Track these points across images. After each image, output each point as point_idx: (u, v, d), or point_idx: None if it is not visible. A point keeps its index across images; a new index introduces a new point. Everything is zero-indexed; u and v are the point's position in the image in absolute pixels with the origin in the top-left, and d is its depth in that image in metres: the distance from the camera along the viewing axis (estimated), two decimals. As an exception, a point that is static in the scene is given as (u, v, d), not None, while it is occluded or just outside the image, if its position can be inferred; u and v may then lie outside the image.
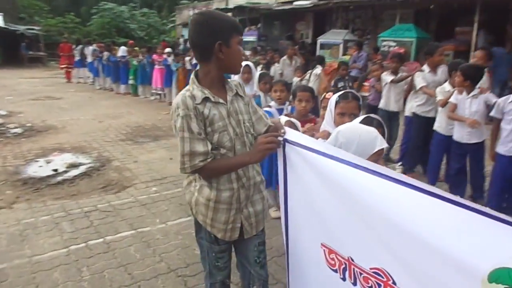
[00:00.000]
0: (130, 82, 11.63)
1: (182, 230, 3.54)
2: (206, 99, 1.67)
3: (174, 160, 5.68)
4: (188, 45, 20.07)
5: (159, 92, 10.88)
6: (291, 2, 15.24)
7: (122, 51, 11.87)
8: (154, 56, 10.68)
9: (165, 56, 10.43)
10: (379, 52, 10.55)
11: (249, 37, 15.91)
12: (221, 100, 1.71)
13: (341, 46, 11.98)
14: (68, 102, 10.41)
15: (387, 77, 5.53)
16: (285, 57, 8.62)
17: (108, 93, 12.43)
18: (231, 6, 18.59)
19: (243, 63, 4.47)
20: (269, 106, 3.66)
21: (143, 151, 6.11)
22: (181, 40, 22.59)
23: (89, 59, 13.87)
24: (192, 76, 1.75)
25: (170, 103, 10.09)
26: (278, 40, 16.89)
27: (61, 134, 7.07)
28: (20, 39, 20.05)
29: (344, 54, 12.02)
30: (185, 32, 24.85)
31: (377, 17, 13.68)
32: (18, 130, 7.17)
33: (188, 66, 9.69)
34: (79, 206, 4.07)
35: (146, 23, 26.60)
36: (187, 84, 1.80)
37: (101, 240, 3.34)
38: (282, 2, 16.03)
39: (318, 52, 12.67)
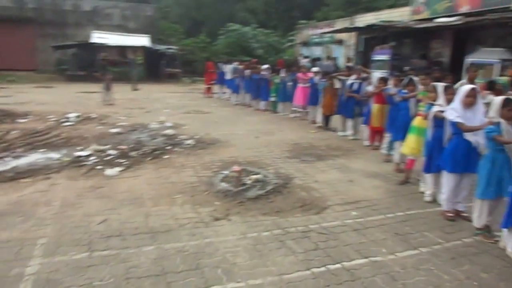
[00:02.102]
0: (272, 99, 11.99)
1: (419, 265, 3.33)
2: None
3: (354, 182, 5.57)
4: (307, 63, 20.27)
5: (300, 110, 11.00)
6: (430, 20, 14.41)
7: (265, 69, 12.32)
8: (299, 74, 10.86)
9: (311, 74, 10.51)
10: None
11: (381, 55, 15.38)
12: None
13: (497, 65, 10.86)
14: (218, 117, 11.09)
15: None
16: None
17: (247, 109, 13.00)
18: (360, 25, 18.24)
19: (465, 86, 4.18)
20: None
21: (317, 171, 6.11)
22: (301, 58, 22.94)
23: (228, 76, 14.77)
24: None
25: (314, 122, 10.17)
26: (409, 59, 16.10)
27: (229, 147, 7.47)
28: (160, 57, 22.29)
29: (501, 75, 10.89)
30: (305, 51, 25.18)
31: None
32: (191, 142, 7.75)
33: (337, 85, 9.58)
34: (291, 224, 4.12)
35: (266, 42, 27.62)
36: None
37: (339, 266, 3.29)
38: (419, 20, 15.23)
39: (465, 72, 11.69)
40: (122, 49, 21.69)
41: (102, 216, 4.22)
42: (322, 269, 3.24)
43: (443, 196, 4.37)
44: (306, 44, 25.12)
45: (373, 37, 18.67)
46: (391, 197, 5.02)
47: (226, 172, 5.96)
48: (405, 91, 5.91)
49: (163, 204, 4.61)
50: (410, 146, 5.41)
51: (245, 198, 4.87)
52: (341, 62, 19.47)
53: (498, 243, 3.70)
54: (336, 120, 9.34)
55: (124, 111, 11.61)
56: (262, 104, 12.44)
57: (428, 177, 4.84)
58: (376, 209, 4.59)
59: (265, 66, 12.58)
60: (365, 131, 8.02)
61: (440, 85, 4.69)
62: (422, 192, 5.09)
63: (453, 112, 4.05)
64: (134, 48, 21.47)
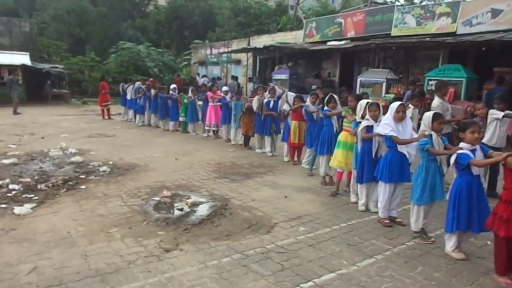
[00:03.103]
0: (181, 119, 11.70)
1: (381, 272, 3.52)
2: None
3: (289, 198, 5.70)
4: (206, 81, 20.40)
5: (213, 128, 10.94)
6: (322, 42, 15.81)
7: (172, 89, 11.99)
8: (209, 94, 10.83)
9: (222, 94, 10.57)
10: (427, 91, 10.91)
11: (281, 75, 16.30)
12: None
13: (384, 84, 12.39)
14: (126, 139, 10.38)
15: (497, 112, 5.71)
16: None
17: (154, 130, 12.44)
18: (256, 45, 19.07)
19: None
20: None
21: (249, 189, 6.10)
22: (198, 78, 23.02)
23: (129, 96, 14.01)
24: None
25: (228, 140, 10.20)
26: (304, 78, 17.37)
27: (151, 172, 7.02)
28: (44, 77, 20.11)
29: (387, 93, 12.42)
30: (201, 70, 25.32)
31: (409, 56, 14.23)
32: (106, 169, 7.08)
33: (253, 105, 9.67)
34: (247, 247, 4.02)
35: (160, 61, 27.05)
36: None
37: (312, 283, 3.30)
38: (312, 42, 16.60)
39: (359, 90, 13.07)
40: (-5, 68, 19.01)
41: (28, 264, 3.56)
42: (299, 289, 3.21)
43: (380, 204, 4.73)
44: (203, 63, 25.29)
45: (268, 57, 19.71)
46: (328, 209, 5.26)
47: (156, 198, 5.59)
48: (327, 108, 6.30)
49: (100, 241, 4.09)
50: (338, 159, 5.76)
51: (189, 224, 4.61)
52: (241, 81, 20.00)
53: (434, 243, 4.14)
54: (252, 138, 9.49)
55: (11, 138, 10.11)
56: (171, 125, 12.04)
57: (361, 188, 5.20)
58: (320, 223, 4.75)
59: (173, 85, 12.26)
60: (284, 147, 8.30)
61: (365, 102, 5.13)
62: (354, 202, 5.44)
63: (387, 126, 4.45)
64: (10, 67, 18.96)
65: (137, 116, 13.53)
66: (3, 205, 5.09)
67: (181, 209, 5.17)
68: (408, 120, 4.58)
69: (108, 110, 14.71)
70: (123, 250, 3.89)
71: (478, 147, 3.60)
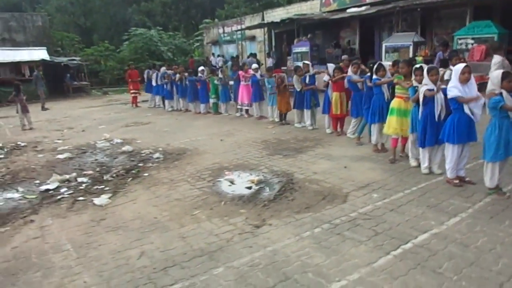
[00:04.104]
0: (213, 100, 11.79)
1: (472, 228, 3.67)
2: None
3: (349, 168, 5.82)
4: (221, 61, 20.31)
5: (246, 107, 11.02)
6: (341, 10, 15.53)
7: (201, 71, 12.04)
8: (241, 73, 10.86)
9: (252, 72, 10.59)
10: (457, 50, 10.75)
11: (301, 47, 16.15)
12: None
13: (411, 48, 12.22)
14: (164, 125, 10.56)
15: None
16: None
17: (186, 113, 12.60)
18: (271, 20, 18.83)
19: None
20: None
21: (306, 163, 6.23)
22: (213, 58, 22.92)
23: (154, 82, 14.12)
24: None
25: (261, 117, 10.30)
26: (323, 49, 17.16)
27: (204, 155, 7.20)
28: (63, 71, 20.28)
29: (414, 56, 12.27)
30: (215, 50, 25.17)
31: (432, 16, 13.95)
32: (159, 155, 7.28)
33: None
34: (331, 217, 4.18)
35: (173, 44, 26.96)
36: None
37: (411, 244, 3.46)
38: (330, 11, 16.33)
39: (384, 56, 12.94)
40: (15, 66, 19.20)
41: (134, 250, 3.78)
42: (400, 250, 3.37)
43: (448, 165, 4.83)
44: (216, 43, 25.11)
45: (284, 31, 19.46)
46: (392, 175, 5.38)
47: (221, 179, 5.77)
48: (376, 77, 6.33)
49: (189, 223, 4.30)
50: (393, 126, 5.84)
51: (265, 201, 4.79)
52: (259, 57, 19.88)
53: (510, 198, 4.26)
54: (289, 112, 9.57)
55: (53, 134, 10.37)
56: (202, 107, 12.16)
57: (423, 151, 5.30)
58: (390, 188, 4.88)
59: (201, 68, 12.30)
60: (325, 119, 8.38)
61: (425, 68, 5.16)
62: (415, 166, 5.55)
63: (453, 89, 4.50)
64: (30, 63, 19.15)
65: (166, 102, 13.67)
66: (81, 198, 5.33)
67: (250, 188, 5.35)
68: (473, 81, 4.61)
69: (136, 98, 14.86)
70: (216, 230, 4.09)
71: None
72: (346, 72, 7.58)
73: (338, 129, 8.11)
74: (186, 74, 12.33)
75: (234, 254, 3.55)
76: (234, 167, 6.29)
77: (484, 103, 4.41)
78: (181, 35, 30.35)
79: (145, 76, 14.84)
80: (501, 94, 4.12)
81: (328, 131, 8.28)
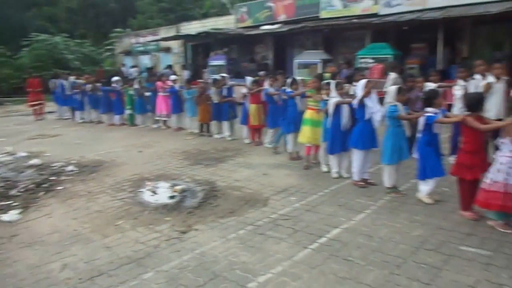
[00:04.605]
0: (128, 111, 11.48)
1: (375, 222, 4.21)
2: None
3: (268, 175, 6.20)
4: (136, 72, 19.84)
5: (164, 119, 10.95)
6: (255, 27, 16.30)
7: (115, 81, 11.66)
8: (159, 83, 10.79)
9: (170, 83, 10.60)
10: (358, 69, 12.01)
11: (217, 61, 16.52)
12: None
13: (319, 64, 13.31)
14: (75, 137, 10.00)
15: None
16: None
17: (99, 125, 12.05)
18: (187, 32, 18.96)
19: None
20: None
21: (228, 171, 6.47)
22: (124, 68, 22.21)
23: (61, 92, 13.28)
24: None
25: (179, 129, 10.36)
26: (238, 62, 17.77)
27: (122, 166, 7.03)
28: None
29: (323, 72, 13.36)
30: (128, 61, 24.40)
31: (338, 37, 15.34)
32: (73, 168, 6.93)
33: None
34: (254, 219, 4.45)
35: (81, 52, 25.47)
36: None
37: (326, 238, 3.87)
38: (245, 27, 17.00)
39: (296, 71, 13.87)
40: None
41: (55, 263, 3.63)
42: (316, 244, 3.75)
43: (354, 169, 5.45)
44: (129, 53, 24.35)
45: (199, 44, 19.70)
46: (306, 180, 5.87)
47: (142, 190, 5.73)
48: (290, 90, 6.85)
49: (113, 234, 4.24)
50: (307, 136, 6.38)
51: (190, 208, 4.90)
52: (175, 69, 19.75)
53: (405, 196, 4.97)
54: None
55: None
56: (116, 119, 11.75)
57: (333, 158, 5.89)
58: (306, 192, 5.34)
59: (115, 78, 11.90)
60: (243, 130, 8.74)
61: (333, 82, 5.78)
62: (326, 172, 6.13)
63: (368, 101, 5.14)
64: None
65: (77, 113, 12.92)
66: (-15, 215, 4.89)
67: (173, 197, 5.40)
68: (374, 94, 5.30)
69: (41, 109, 13.76)
70: (141, 238, 4.10)
71: (440, 111, 4.43)
72: (263, 86, 8.05)
73: (256, 139, 8.52)
74: (99, 84, 11.82)
75: (162, 259, 3.62)
76: (156, 178, 6.27)
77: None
78: (90, 43, 28.82)
79: (51, 85, 13.81)
80: (395, 105, 4.82)
81: (246, 141, 8.64)
